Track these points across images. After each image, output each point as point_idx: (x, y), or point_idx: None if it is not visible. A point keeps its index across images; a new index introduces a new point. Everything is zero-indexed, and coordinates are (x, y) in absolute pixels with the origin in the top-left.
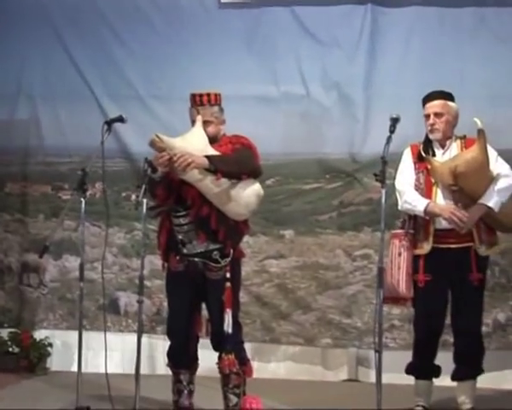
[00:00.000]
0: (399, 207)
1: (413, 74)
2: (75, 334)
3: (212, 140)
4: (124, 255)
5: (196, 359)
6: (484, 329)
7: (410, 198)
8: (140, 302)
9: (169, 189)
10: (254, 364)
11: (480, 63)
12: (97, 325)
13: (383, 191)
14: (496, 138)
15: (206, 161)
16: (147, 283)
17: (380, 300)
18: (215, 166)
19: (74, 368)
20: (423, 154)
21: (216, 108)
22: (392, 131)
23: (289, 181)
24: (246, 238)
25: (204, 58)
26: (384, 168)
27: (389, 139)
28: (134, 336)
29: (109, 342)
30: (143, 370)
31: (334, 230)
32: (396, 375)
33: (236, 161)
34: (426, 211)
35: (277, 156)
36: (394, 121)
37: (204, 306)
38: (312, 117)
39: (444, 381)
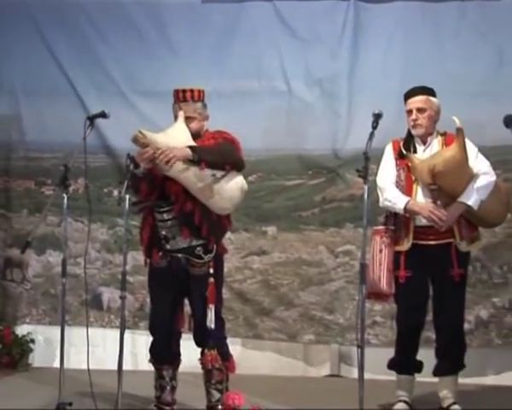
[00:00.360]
0: (380, 204)
1: (396, 70)
2: (58, 330)
3: (196, 136)
4: (107, 251)
5: (179, 354)
6: (466, 326)
7: (390, 196)
8: (122, 298)
9: (152, 184)
10: (237, 359)
11: (462, 58)
12: (80, 320)
13: (365, 187)
14: (477, 134)
15: (189, 152)
16: (130, 278)
17: (362, 296)
18: (198, 156)
19: (57, 364)
20: (404, 151)
21: (199, 104)
22: (374, 127)
23: (271, 177)
24: (228, 235)
25: (186, 53)
26: (366, 164)
27: (372, 135)
28: (117, 332)
29: (92, 338)
30: (126, 366)
31: (317, 226)
32: (378, 371)
33: (219, 152)
34: (405, 209)
35: (259, 152)
36: (377, 117)
37: (186, 301)
38: (295, 113)
39: (426, 376)
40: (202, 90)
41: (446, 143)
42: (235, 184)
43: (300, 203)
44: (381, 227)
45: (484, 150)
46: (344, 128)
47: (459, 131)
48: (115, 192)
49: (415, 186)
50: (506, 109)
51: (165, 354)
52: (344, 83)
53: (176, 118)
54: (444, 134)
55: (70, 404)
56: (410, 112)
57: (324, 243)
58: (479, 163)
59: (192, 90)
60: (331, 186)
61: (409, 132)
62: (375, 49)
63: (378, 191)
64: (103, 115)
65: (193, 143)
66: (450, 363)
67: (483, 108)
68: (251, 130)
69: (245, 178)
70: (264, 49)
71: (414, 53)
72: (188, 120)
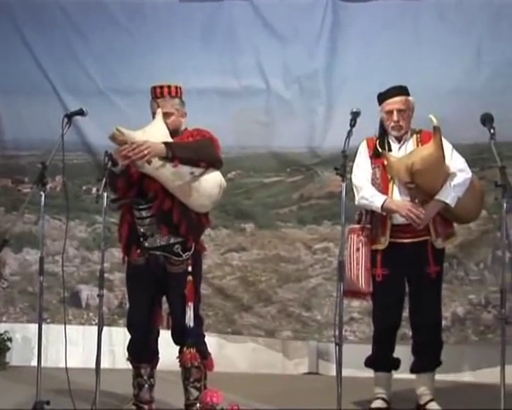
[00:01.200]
0: (356, 203)
1: (374, 68)
2: (35, 328)
3: (174, 133)
4: (85, 248)
5: (157, 353)
6: (443, 322)
7: (367, 194)
8: (100, 296)
9: (130, 182)
10: (215, 357)
11: (440, 56)
12: (58, 318)
13: (343, 185)
14: (454, 132)
15: (163, 148)
16: (108, 276)
17: (340, 293)
18: (172, 153)
19: (34, 363)
20: (379, 149)
21: (177, 101)
22: (352, 126)
23: (250, 175)
24: (207, 231)
25: (165, 51)
26: (345, 162)
27: (349, 133)
28: (95, 330)
29: (71, 336)
30: (104, 364)
31: (295, 223)
32: (356, 368)
33: (194, 148)
34: (383, 207)
35: (238, 150)
36: (355, 115)
37: (165, 299)
38: (273, 111)
39: (403, 373)
40: (180, 86)
41: (422, 141)
42: (213, 182)
43: (278, 201)
44: (357, 226)
45: (460, 148)
46: (322, 126)
47: (436, 129)
48: (94, 190)
49: (391, 185)
50: (483, 107)
51: (143, 352)
52: (322, 81)
53: (153, 115)
54: (419, 132)
55: (47, 403)
56: (389, 113)
57: (302, 240)
58: (455, 161)
59: (169, 86)
60: (309, 184)
61: (382, 131)
62: (353, 47)
63: (354, 190)
64: (81, 113)
65: (170, 140)
66: (427, 360)
67: (460, 106)
68: (229, 127)
69: (223, 175)
70: (243, 47)
71: (392, 51)
72: (165, 115)
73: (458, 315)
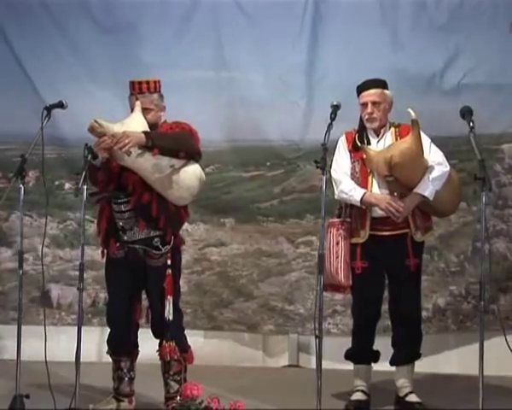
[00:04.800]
0: (335, 197)
1: (354, 63)
2: (5, 328)
3: (153, 127)
4: (56, 246)
5: (137, 346)
6: (424, 314)
7: (346, 188)
8: (80, 290)
9: (109, 175)
10: (196, 351)
11: (420, 50)
12: (29, 318)
13: (324, 178)
14: (434, 125)
15: (143, 136)
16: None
17: (320, 286)
18: (152, 142)
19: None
20: (358, 143)
21: (155, 96)
22: (332, 119)
23: (229, 168)
24: (185, 226)
25: (146, 44)
26: (325, 155)
27: (330, 126)
28: (68, 329)
29: (41, 335)
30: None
31: (276, 217)
32: (338, 360)
33: (174, 138)
34: (362, 201)
35: (217, 143)
36: (335, 108)
37: (144, 293)
38: (253, 104)
39: (383, 365)
40: (158, 80)
41: (400, 135)
42: (193, 174)
43: (259, 195)
44: (337, 220)
45: (439, 141)
46: (303, 119)
47: (414, 122)
48: (68, 185)
49: (370, 178)
50: (462, 100)
51: (122, 345)
52: (303, 74)
53: (132, 110)
54: (398, 125)
55: (27, 396)
56: (364, 105)
57: (284, 234)
58: (433, 154)
59: (148, 82)
60: (290, 178)
61: (361, 124)
62: (334, 41)
63: (333, 183)
64: (61, 106)
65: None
66: (406, 353)
67: (440, 99)
68: (209, 121)
69: (203, 169)
70: (223, 41)
71: (373, 45)
72: (145, 111)
73: (439, 306)
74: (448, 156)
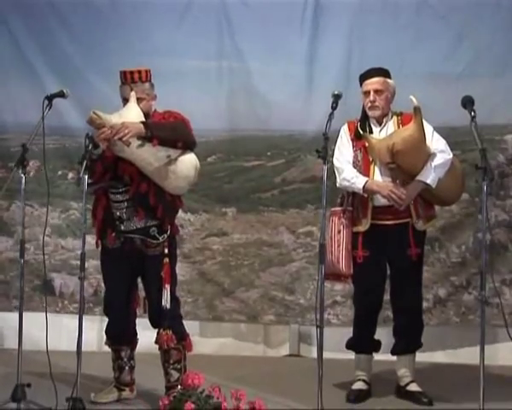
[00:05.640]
0: (338, 185)
1: (356, 51)
2: (9, 315)
3: (145, 116)
4: (58, 236)
5: (136, 334)
6: (424, 304)
7: (348, 176)
8: (81, 279)
9: (105, 166)
10: (197, 339)
11: (422, 40)
12: (32, 306)
13: (325, 168)
14: (436, 115)
15: (142, 127)
16: None
17: (321, 276)
18: (151, 132)
19: (6, 346)
20: (361, 131)
21: (147, 85)
22: (334, 108)
23: (231, 158)
24: (187, 216)
25: (145, 33)
26: (326, 145)
27: (331, 116)
28: (70, 318)
29: (43, 324)
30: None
31: (277, 207)
32: (338, 350)
33: (172, 128)
34: (364, 188)
35: (219, 133)
36: (336, 98)
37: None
38: (254, 93)
39: (384, 355)
40: (149, 70)
41: (403, 124)
42: (189, 164)
43: (260, 185)
44: (339, 208)
45: (442, 131)
46: (304, 109)
47: (417, 109)
48: (70, 174)
49: (372, 167)
50: (464, 90)
51: (121, 334)
52: (304, 64)
53: (124, 99)
54: (400, 114)
55: (29, 385)
56: (367, 93)
57: (285, 224)
58: (435, 142)
59: (139, 72)
60: (291, 167)
61: (364, 113)
62: (336, 30)
63: (335, 172)
64: (62, 95)
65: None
66: (407, 342)
67: (442, 89)
68: (210, 110)
69: (204, 159)
70: (223, 29)
71: (375, 35)
72: (137, 100)
73: (440, 297)
74: (450, 147)
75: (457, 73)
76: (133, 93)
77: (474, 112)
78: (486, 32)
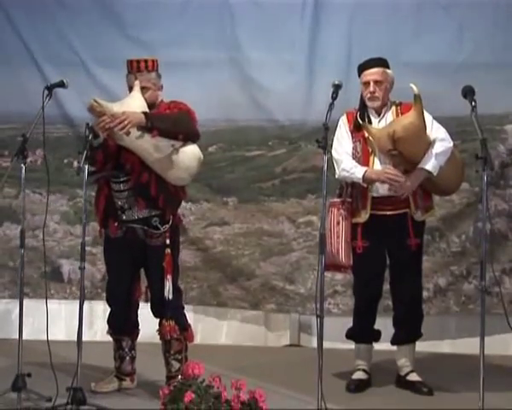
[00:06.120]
0: (336, 176)
1: (357, 41)
2: (17, 302)
3: (150, 106)
4: (66, 222)
5: (137, 325)
6: (425, 294)
7: (347, 166)
8: (82, 269)
9: (107, 155)
10: (198, 329)
11: (424, 31)
12: (40, 292)
13: (325, 158)
14: (437, 105)
15: (142, 118)
16: (91, 249)
17: (321, 266)
18: (151, 123)
19: (16, 336)
20: (360, 121)
21: (153, 74)
22: (334, 98)
23: (232, 148)
24: (189, 205)
25: (146, 23)
26: (326, 135)
27: (331, 106)
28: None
29: (53, 310)
30: (85, 337)
31: (278, 197)
32: (339, 340)
33: (173, 120)
34: (364, 178)
35: (220, 123)
36: (336, 88)
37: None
38: (255, 83)
39: (384, 345)
40: (156, 59)
41: (402, 113)
42: (191, 155)
43: (261, 174)
44: (338, 200)
45: (442, 121)
46: (305, 99)
47: (417, 97)
48: (75, 163)
49: (372, 158)
50: (465, 80)
51: (123, 324)
52: (305, 54)
53: (130, 89)
54: (399, 104)
55: (29, 375)
56: (366, 84)
57: (285, 214)
58: (435, 130)
59: (146, 61)
60: (292, 157)
61: (362, 104)
62: (337, 20)
63: (334, 163)
64: (62, 85)
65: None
66: (407, 332)
67: (443, 79)
68: (211, 100)
69: (205, 148)
70: (224, 19)
71: (375, 25)
72: (142, 90)
73: (440, 286)
74: (451, 137)
75: (458, 63)
76: (137, 82)
77: (475, 102)
78: (487, 23)
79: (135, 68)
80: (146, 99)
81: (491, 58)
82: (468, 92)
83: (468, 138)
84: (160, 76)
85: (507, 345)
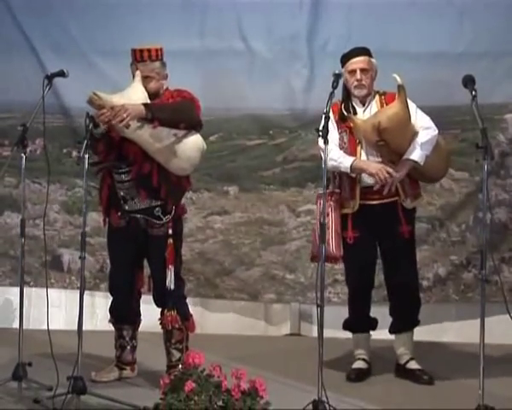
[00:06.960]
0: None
1: (356, 31)
2: (18, 291)
3: (154, 96)
4: (66, 212)
5: (139, 314)
6: (424, 283)
7: (335, 155)
8: (82, 259)
9: (110, 145)
10: (198, 320)
11: (424, 20)
12: (41, 281)
13: (325, 147)
14: (435, 95)
15: (142, 109)
16: (90, 240)
17: (322, 254)
18: (152, 114)
19: (16, 325)
20: (345, 112)
21: (157, 64)
22: (334, 87)
23: (233, 137)
24: (189, 194)
25: (147, 13)
26: (326, 124)
27: (331, 95)
28: (78, 293)
29: (53, 299)
30: (86, 326)
31: (278, 186)
32: (339, 329)
33: (174, 109)
34: (352, 167)
35: (220, 112)
36: (337, 77)
37: (146, 263)
38: (255, 73)
39: (383, 334)
40: (160, 48)
41: (386, 102)
42: (193, 145)
43: (262, 163)
44: (326, 190)
45: (442, 110)
46: (305, 88)
47: (400, 88)
48: (74, 153)
49: (359, 149)
50: (465, 70)
51: (125, 314)
52: (305, 43)
53: (134, 78)
54: (383, 94)
55: (30, 364)
56: (352, 72)
57: (285, 203)
58: (420, 119)
59: (149, 50)
60: (292, 146)
61: (346, 94)
62: (336, 9)
63: (321, 153)
64: (62, 74)
65: (149, 102)
66: (404, 320)
67: (443, 69)
68: (211, 89)
69: (206, 138)
70: (225, 8)
71: (375, 15)
72: (146, 79)
73: (440, 276)
74: (450, 126)
75: (458, 52)
76: (138, 72)
77: (475, 91)
78: (487, 12)
79: (138, 58)
80: (149, 89)
81: (492, 48)
82: (469, 81)
83: (468, 128)
84: (165, 64)
85: (506, 333)
